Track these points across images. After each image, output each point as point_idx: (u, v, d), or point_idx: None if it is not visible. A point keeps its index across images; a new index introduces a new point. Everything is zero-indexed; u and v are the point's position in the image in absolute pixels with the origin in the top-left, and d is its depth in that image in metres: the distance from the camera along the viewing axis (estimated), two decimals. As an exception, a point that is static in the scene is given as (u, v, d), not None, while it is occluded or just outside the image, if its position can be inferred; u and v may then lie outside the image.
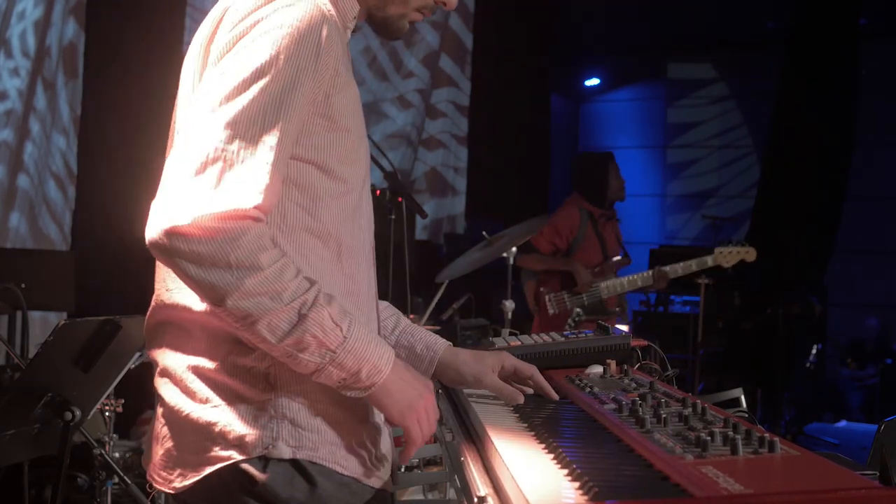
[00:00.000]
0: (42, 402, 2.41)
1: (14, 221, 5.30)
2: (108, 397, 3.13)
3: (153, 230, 1.27)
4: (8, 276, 3.54)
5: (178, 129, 1.46)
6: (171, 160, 1.33)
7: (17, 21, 5.27)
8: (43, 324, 5.04)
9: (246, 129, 1.30)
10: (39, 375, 2.43)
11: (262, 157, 1.30)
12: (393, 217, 4.25)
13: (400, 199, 4.22)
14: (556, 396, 1.65)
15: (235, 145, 1.29)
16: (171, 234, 1.25)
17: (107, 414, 3.31)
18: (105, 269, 5.30)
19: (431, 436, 1.47)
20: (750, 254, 5.02)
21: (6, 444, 2.43)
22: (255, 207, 1.29)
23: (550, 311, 4.95)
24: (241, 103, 1.31)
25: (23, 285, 3.13)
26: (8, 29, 5.22)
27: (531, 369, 1.67)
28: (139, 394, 4.54)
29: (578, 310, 4.84)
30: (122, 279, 5.23)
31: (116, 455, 4.30)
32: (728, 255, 5.01)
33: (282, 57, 1.33)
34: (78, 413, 2.43)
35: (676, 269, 4.98)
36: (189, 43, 1.53)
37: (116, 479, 3.00)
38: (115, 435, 3.44)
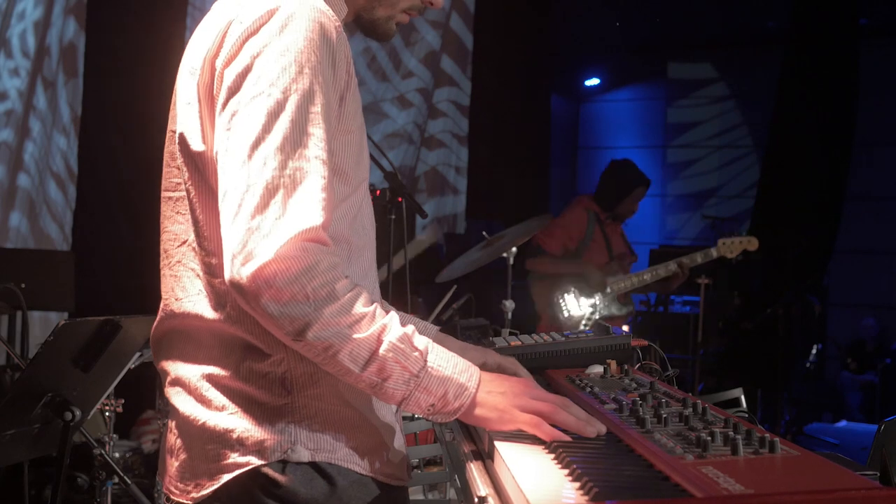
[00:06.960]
0: (42, 402, 2.41)
1: (15, 221, 5.30)
2: (108, 397, 3.14)
3: (240, 278, 1.26)
4: (8, 276, 3.53)
5: (187, 143, 1.43)
6: (225, 207, 1.31)
7: (17, 21, 5.27)
8: (43, 324, 5.04)
9: (292, 151, 1.30)
10: (39, 375, 2.43)
11: (316, 173, 1.31)
12: (393, 217, 4.24)
13: (400, 199, 4.21)
14: None
15: (289, 170, 1.29)
16: (255, 276, 1.25)
17: (107, 414, 3.32)
18: (105, 269, 5.31)
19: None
20: (752, 243, 4.98)
21: (6, 444, 2.43)
22: (321, 226, 1.29)
23: (565, 314, 4.96)
24: (282, 128, 1.30)
25: (23, 285, 3.12)
26: (8, 29, 5.22)
27: (514, 366, 1.65)
28: (139, 394, 4.56)
29: (591, 310, 4.88)
30: (122, 279, 5.24)
31: (116, 455, 4.31)
32: (731, 246, 4.98)
33: (305, 72, 1.32)
34: (78, 413, 2.43)
35: (683, 261, 5.00)
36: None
37: (116, 479, 3.00)
38: (115, 435, 3.45)
